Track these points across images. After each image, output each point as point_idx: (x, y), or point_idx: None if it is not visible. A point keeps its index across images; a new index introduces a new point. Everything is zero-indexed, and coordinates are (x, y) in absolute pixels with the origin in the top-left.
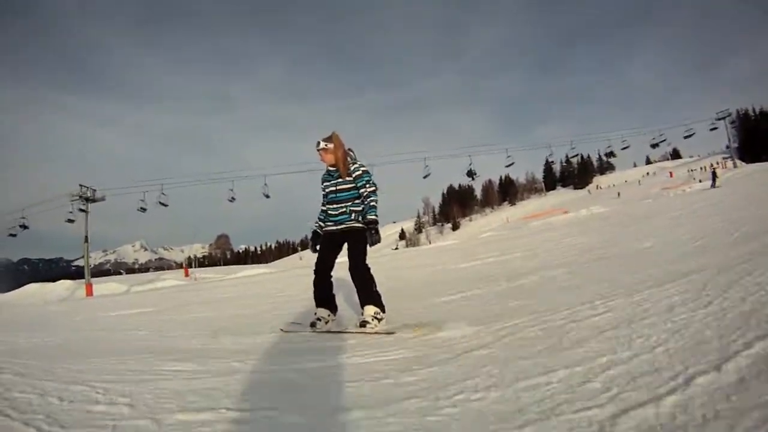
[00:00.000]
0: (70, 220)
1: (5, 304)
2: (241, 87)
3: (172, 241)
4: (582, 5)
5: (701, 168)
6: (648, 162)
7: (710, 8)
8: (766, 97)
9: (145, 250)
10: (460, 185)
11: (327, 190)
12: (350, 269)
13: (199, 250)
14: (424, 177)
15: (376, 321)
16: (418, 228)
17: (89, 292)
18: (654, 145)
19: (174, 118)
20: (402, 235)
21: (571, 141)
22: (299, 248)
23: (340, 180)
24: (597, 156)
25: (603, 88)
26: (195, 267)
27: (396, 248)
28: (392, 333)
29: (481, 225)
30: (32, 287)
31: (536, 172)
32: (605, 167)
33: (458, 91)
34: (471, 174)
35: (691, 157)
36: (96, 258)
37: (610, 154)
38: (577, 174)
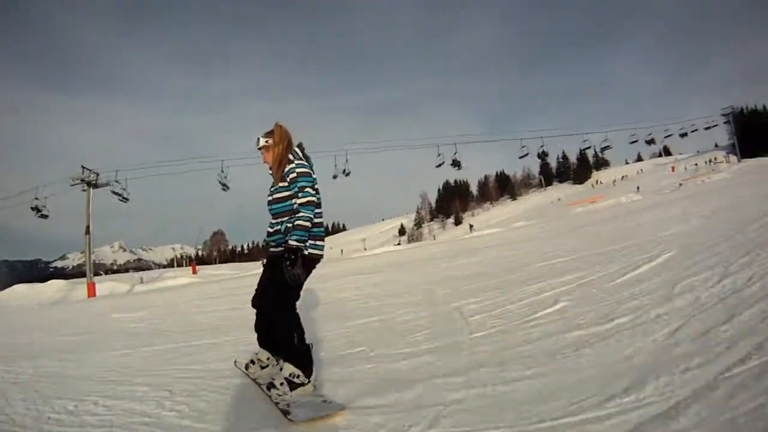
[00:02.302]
0: (43, 215)
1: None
2: (222, 84)
3: (149, 241)
4: (569, 5)
5: (706, 162)
6: (639, 159)
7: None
8: (748, 96)
9: (124, 250)
10: (456, 180)
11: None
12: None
13: (179, 250)
14: (437, 166)
15: (286, 387)
16: (418, 223)
17: (92, 293)
18: (665, 137)
19: (157, 114)
20: (402, 231)
21: (605, 134)
22: None
23: (275, 187)
24: (593, 152)
25: (587, 87)
26: (184, 266)
27: (398, 244)
28: (287, 413)
29: (485, 219)
30: (20, 288)
31: (531, 168)
32: (601, 163)
33: (444, 90)
34: (542, 156)
35: (680, 154)
36: (74, 259)
37: (652, 141)
38: (575, 169)
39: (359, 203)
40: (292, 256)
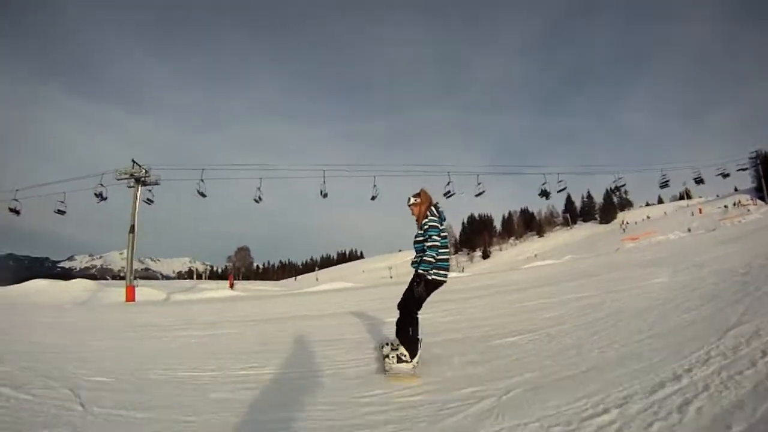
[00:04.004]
0: (60, 211)
1: (19, 300)
2: (237, 102)
3: (159, 252)
4: (581, 48)
5: (733, 204)
6: (660, 201)
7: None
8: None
9: None
10: (479, 215)
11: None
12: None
13: (186, 263)
14: (477, 195)
15: (395, 359)
16: None
17: (130, 297)
18: (699, 181)
19: (171, 129)
20: None
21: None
22: (317, 268)
23: (417, 233)
24: (617, 192)
25: (597, 129)
26: (201, 279)
27: None
28: (385, 372)
29: (514, 254)
30: (40, 283)
31: (555, 205)
32: (624, 204)
33: (457, 125)
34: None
35: (700, 197)
36: (82, 262)
37: (701, 181)
38: (600, 209)
39: (375, 233)
40: (418, 279)
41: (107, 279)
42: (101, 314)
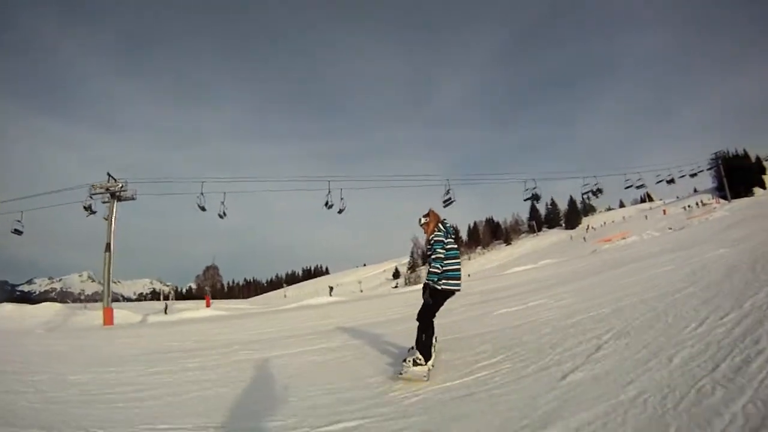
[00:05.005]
0: (17, 231)
1: None
2: (206, 122)
3: (118, 274)
4: (545, 60)
5: (696, 204)
6: (622, 205)
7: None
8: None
9: (93, 281)
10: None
11: None
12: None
13: (148, 285)
14: (447, 204)
15: (410, 364)
16: (413, 267)
17: (108, 320)
18: (669, 181)
19: (138, 150)
20: (396, 274)
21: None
22: (284, 285)
23: (427, 246)
24: (581, 198)
25: (558, 138)
26: (168, 299)
27: (396, 286)
28: (399, 375)
29: (482, 263)
30: (6, 308)
31: (520, 214)
32: (588, 209)
33: (423, 140)
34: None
35: (661, 200)
36: (42, 285)
37: (671, 181)
38: (565, 215)
39: (338, 249)
40: (426, 287)
41: (68, 302)
42: (101, 340)
